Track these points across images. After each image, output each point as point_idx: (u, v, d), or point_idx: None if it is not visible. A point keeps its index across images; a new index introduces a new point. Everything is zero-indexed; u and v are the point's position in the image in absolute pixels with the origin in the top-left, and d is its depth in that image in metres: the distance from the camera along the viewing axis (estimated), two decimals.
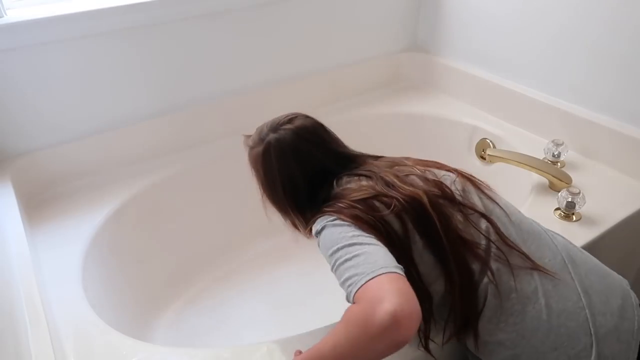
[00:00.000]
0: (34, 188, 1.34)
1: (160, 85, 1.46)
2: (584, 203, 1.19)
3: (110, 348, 0.92)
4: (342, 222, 0.80)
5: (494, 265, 0.81)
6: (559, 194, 1.22)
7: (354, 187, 0.87)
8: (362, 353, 0.64)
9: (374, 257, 0.71)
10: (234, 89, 1.60)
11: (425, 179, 0.86)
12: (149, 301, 1.42)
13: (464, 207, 0.84)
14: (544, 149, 1.44)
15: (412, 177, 0.87)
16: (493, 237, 0.83)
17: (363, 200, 0.82)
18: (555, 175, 1.30)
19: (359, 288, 0.68)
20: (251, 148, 1.03)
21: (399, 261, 0.73)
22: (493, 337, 0.81)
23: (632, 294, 0.88)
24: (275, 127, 0.99)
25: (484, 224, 0.84)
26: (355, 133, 1.79)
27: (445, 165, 0.94)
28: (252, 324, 1.43)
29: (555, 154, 1.41)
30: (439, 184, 0.85)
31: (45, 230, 1.23)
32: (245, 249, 1.65)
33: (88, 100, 1.37)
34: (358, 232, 0.77)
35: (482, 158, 1.65)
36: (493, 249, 0.82)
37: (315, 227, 0.84)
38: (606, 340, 0.80)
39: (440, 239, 0.79)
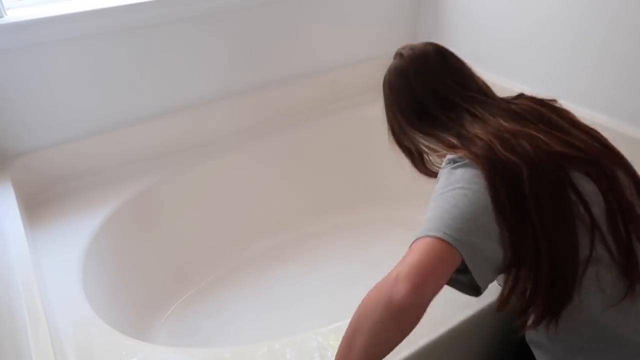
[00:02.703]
0: (34, 188, 1.34)
1: (159, 86, 1.46)
2: None
3: (110, 348, 0.92)
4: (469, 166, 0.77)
5: None
6: None
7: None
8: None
9: (438, 213, 0.72)
10: (233, 89, 1.60)
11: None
12: (149, 301, 1.42)
13: None
14: None
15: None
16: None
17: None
18: None
19: (413, 242, 0.73)
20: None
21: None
22: None
23: None
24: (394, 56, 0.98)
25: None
26: (355, 133, 1.80)
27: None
28: (252, 323, 1.43)
29: None
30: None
31: (45, 230, 1.23)
32: (245, 249, 1.65)
33: (88, 100, 1.37)
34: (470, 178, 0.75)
35: None
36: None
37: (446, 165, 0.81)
38: None
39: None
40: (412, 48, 0.94)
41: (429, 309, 0.95)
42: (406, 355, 0.87)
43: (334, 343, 0.90)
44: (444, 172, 0.79)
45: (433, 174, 0.95)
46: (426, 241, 0.70)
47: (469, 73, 0.93)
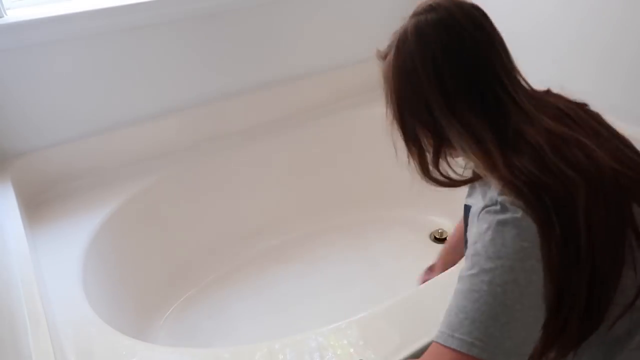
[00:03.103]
0: (34, 188, 1.34)
1: (159, 86, 1.46)
2: None
3: (110, 348, 0.92)
4: (523, 231, 0.58)
5: None
6: None
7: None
8: None
9: (479, 312, 0.58)
10: (233, 89, 1.60)
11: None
12: (149, 301, 1.42)
13: None
14: None
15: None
16: None
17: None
18: None
19: (432, 344, 0.61)
20: (383, 58, 0.75)
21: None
22: None
23: None
24: (413, 14, 0.73)
25: None
26: (355, 133, 1.80)
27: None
28: (252, 324, 1.43)
29: None
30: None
31: (45, 230, 1.23)
32: (245, 249, 1.65)
33: (88, 100, 1.37)
34: (525, 259, 0.58)
35: None
36: None
37: (489, 214, 0.61)
38: None
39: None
40: (447, 1, 0.70)
41: (429, 309, 0.95)
42: (406, 355, 0.87)
43: (334, 343, 0.90)
44: (487, 221, 0.61)
45: (446, 182, 0.73)
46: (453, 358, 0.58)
47: (507, 49, 0.71)
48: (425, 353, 0.61)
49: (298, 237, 1.70)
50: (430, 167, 0.72)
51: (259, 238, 1.67)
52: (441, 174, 0.72)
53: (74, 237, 1.20)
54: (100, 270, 1.23)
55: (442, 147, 0.70)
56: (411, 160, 0.73)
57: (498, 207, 0.61)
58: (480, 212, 0.63)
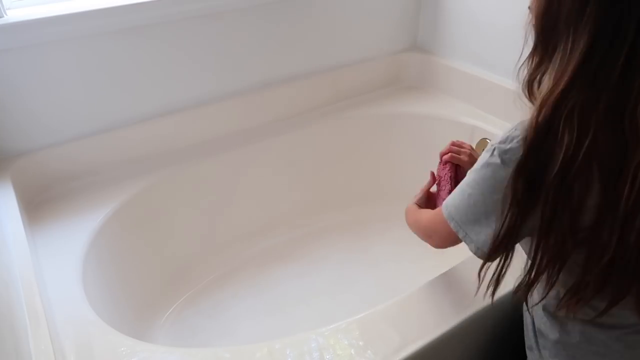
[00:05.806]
0: (34, 188, 1.34)
1: (159, 85, 1.46)
2: None
3: (110, 348, 0.92)
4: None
5: None
6: None
7: None
8: None
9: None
10: (234, 89, 1.60)
11: None
12: (149, 301, 1.42)
13: None
14: None
15: None
16: None
17: None
18: None
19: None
20: None
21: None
22: None
23: None
24: None
25: None
26: (355, 133, 1.80)
27: None
28: (252, 323, 1.44)
29: None
30: None
31: (45, 230, 1.23)
32: (245, 249, 1.65)
33: (88, 100, 1.37)
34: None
35: None
36: None
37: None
38: None
39: None
40: None
41: (429, 309, 0.95)
42: (405, 355, 0.87)
43: (334, 343, 0.90)
44: (486, 151, 0.76)
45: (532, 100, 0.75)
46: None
47: None
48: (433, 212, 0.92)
49: (298, 236, 1.70)
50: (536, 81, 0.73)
51: (259, 238, 1.67)
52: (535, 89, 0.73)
53: (74, 237, 1.20)
54: (100, 270, 1.23)
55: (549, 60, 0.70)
56: (526, 64, 0.75)
57: (492, 149, 0.74)
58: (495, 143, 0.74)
